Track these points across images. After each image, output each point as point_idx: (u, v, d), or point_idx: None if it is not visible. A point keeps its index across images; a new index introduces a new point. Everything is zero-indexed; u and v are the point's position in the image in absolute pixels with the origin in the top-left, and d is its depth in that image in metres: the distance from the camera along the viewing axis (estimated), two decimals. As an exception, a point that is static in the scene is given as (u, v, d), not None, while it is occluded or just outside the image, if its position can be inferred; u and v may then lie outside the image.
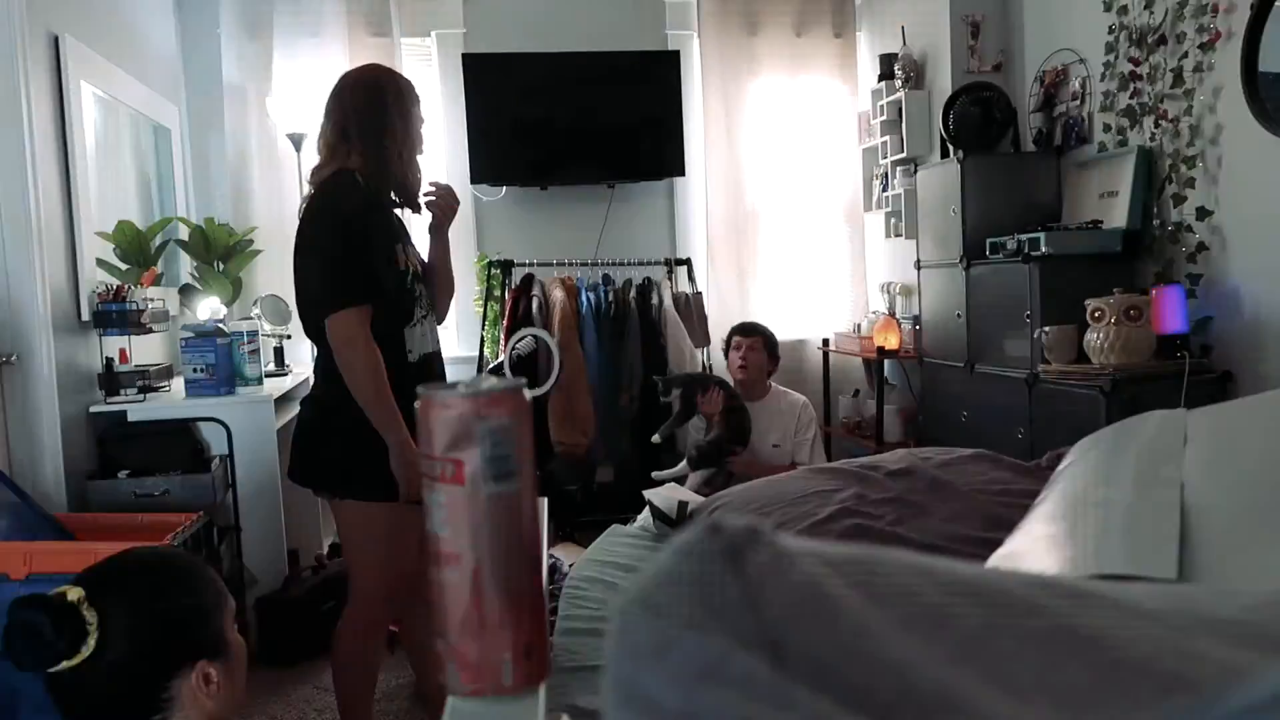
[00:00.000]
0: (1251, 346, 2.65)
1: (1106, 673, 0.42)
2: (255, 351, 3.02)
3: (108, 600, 1.12)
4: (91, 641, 1.08)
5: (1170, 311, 2.67)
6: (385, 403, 1.92)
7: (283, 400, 3.15)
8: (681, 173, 4.26)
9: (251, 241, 3.76)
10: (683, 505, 2.05)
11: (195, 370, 2.86)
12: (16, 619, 1.09)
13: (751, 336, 3.47)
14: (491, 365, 3.65)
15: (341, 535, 2.13)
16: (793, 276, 4.43)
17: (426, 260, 2.28)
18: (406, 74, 4.05)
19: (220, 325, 2.95)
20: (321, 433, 2.05)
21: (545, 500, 1.46)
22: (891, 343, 3.82)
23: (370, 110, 2.04)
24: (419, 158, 2.15)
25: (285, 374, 3.48)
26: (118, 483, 2.62)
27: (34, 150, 2.52)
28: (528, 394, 0.61)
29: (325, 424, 2.04)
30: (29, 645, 1.08)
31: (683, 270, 4.20)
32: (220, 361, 2.86)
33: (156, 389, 2.93)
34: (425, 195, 2.16)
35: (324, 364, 2.05)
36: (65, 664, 1.08)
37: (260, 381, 3.03)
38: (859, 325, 4.29)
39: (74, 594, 1.10)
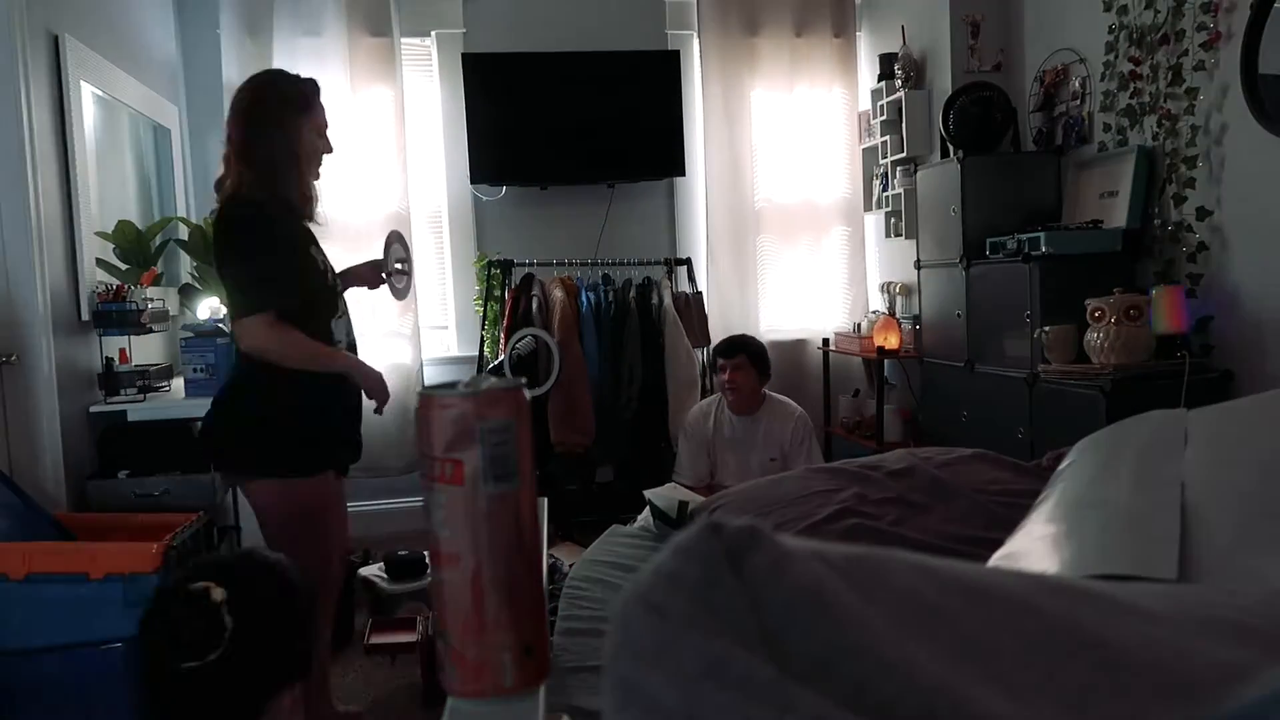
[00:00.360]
0: (1251, 346, 2.65)
1: (1107, 673, 0.42)
2: None
3: (246, 609, 1.08)
4: (223, 648, 1.05)
5: (1170, 311, 2.67)
6: (325, 352, 2.03)
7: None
8: (681, 173, 4.26)
9: (251, 241, 3.75)
10: (683, 505, 2.05)
11: (195, 370, 2.85)
12: (163, 611, 1.05)
13: (735, 356, 3.38)
14: (491, 365, 3.65)
15: (259, 520, 2.10)
16: (793, 276, 4.43)
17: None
18: (406, 74, 4.09)
19: (220, 325, 2.94)
20: (230, 414, 2.07)
21: (545, 500, 1.46)
22: (891, 342, 3.82)
23: (250, 124, 2.06)
24: (316, 164, 2.22)
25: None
26: (117, 483, 2.62)
27: (34, 150, 2.52)
28: (527, 394, 0.61)
29: (233, 406, 2.07)
30: (169, 641, 1.04)
31: (683, 270, 4.20)
32: (220, 361, 2.86)
33: (156, 389, 2.93)
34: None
35: (235, 359, 2.14)
36: (190, 664, 1.04)
37: None
38: (859, 325, 4.29)
39: (218, 594, 1.06)
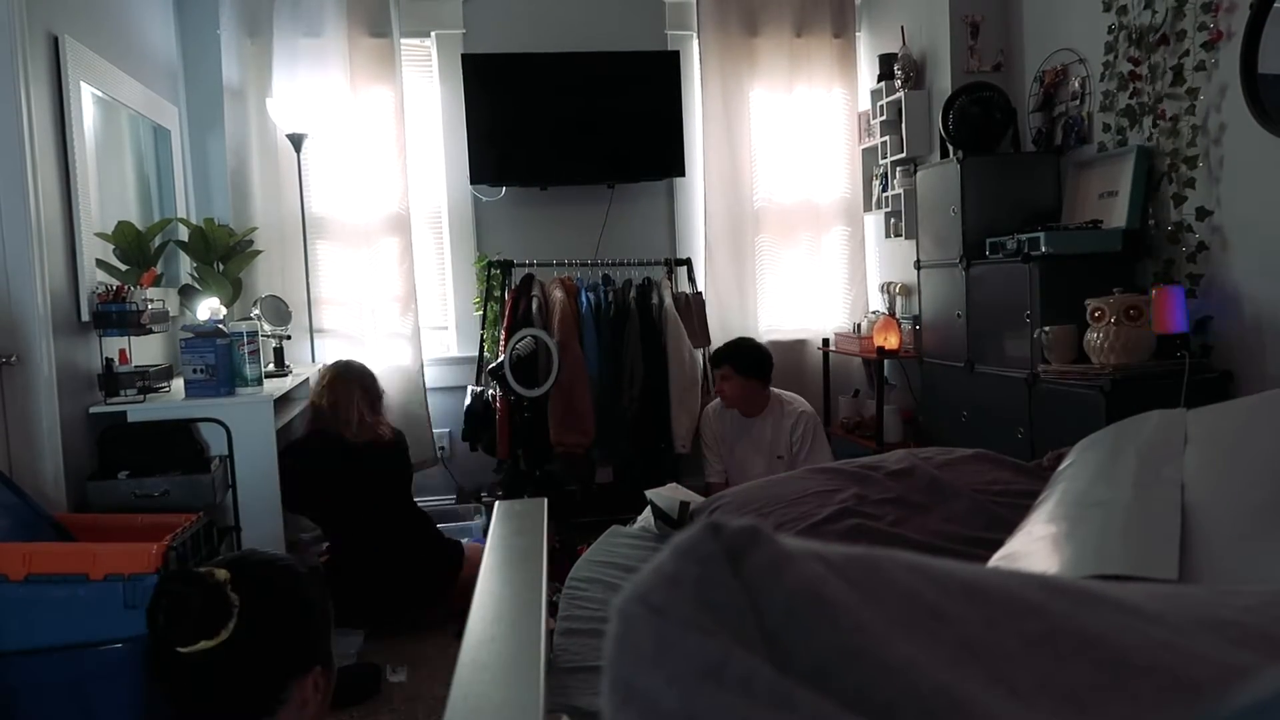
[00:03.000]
0: (1251, 346, 2.65)
1: (1108, 673, 0.42)
2: (255, 352, 3.00)
3: (252, 588, 1.10)
4: (232, 625, 1.06)
5: (1170, 311, 2.67)
6: None
7: (283, 401, 3.15)
8: (681, 173, 4.26)
9: (251, 242, 3.76)
10: (684, 505, 2.05)
11: (195, 371, 2.85)
12: (166, 591, 1.07)
13: (720, 367, 3.44)
14: (491, 366, 3.65)
15: None
16: (792, 276, 4.43)
17: None
18: (406, 75, 4.09)
19: (220, 325, 2.94)
20: None
21: (545, 500, 1.46)
22: (891, 343, 3.82)
23: None
24: None
25: (285, 374, 3.47)
26: (117, 483, 2.62)
27: (34, 150, 2.52)
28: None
29: None
30: (174, 619, 1.06)
31: (683, 270, 4.20)
32: (220, 362, 2.86)
33: (156, 389, 2.93)
34: None
35: None
36: (203, 644, 1.05)
37: (260, 382, 3.02)
38: (859, 325, 4.29)
39: (221, 574, 1.08)
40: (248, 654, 1.08)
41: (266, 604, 1.10)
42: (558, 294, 3.78)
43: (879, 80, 4.15)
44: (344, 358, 3.36)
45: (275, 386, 3.17)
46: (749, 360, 3.45)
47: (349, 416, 3.09)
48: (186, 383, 2.87)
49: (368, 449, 3.08)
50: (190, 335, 2.89)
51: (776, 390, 3.56)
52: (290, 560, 1.25)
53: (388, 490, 3.14)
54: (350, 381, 3.16)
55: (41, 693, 1.98)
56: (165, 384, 3.00)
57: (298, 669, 1.12)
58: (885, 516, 1.80)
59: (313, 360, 3.88)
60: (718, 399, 3.61)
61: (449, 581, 3.03)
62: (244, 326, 2.99)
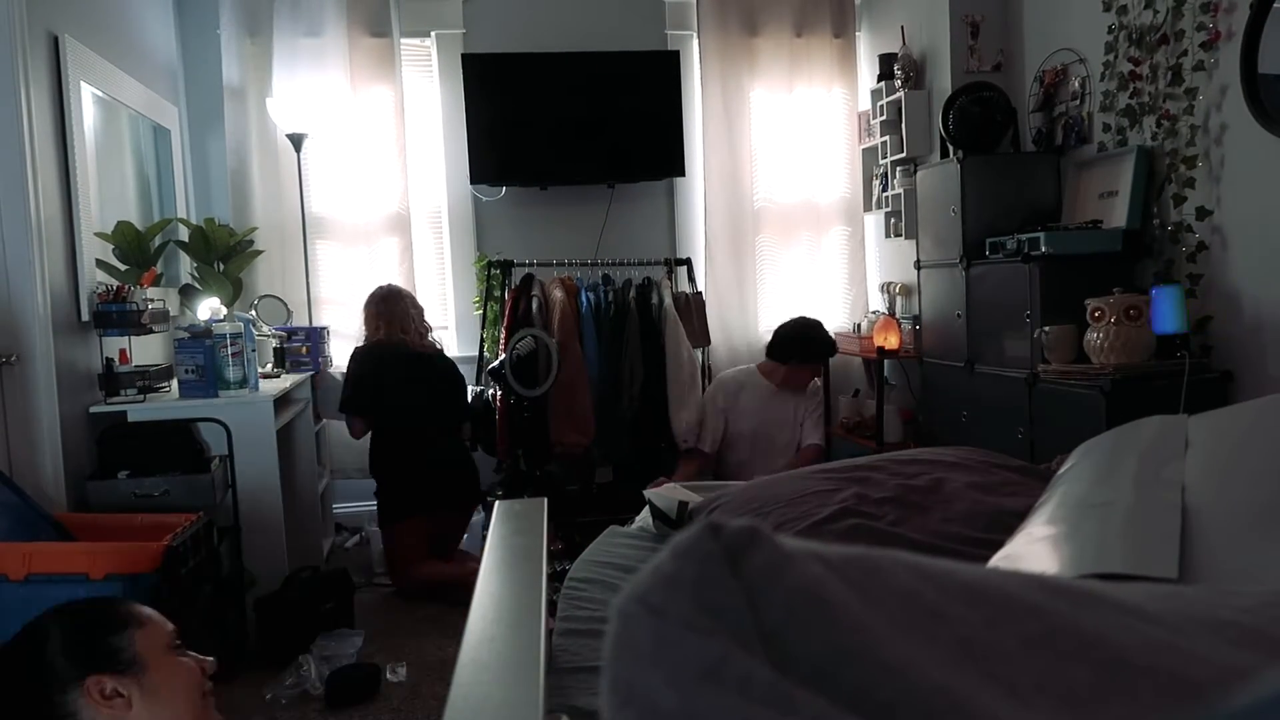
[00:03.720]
0: (1251, 346, 2.65)
1: (1107, 673, 0.42)
2: (238, 354, 2.95)
3: (15, 638, 1.27)
4: None
5: (1170, 311, 2.67)
6: None
7: (282, 401, 3.15)
8: (681, 173, 4.26)
9: (252, 242, 3.76)
10: (683, 505, 2.04)
11: (187, 371, 2.86)
12: None
13: (811, 363, 3.77)
14: (491, 365, 3.65)
15: None
16: (792, 276, 4.43)
17: None
18: (406, 74, 4.09)
19: (209, 326, 2.94)
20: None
21: (545, 500, 1.46)
22: (891, 343, 3.82)
23: None
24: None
25: (284, 375, 3.47)
26: (117, 483, 2.62)
27: (34, 150, 2.52)
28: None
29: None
30: None
31: (683, 270, 4.20)
32: (209, 363, 2.86)
33: (156, 389, 2.92)
34: None
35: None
36: None
37: (243, 385, 2.95)
38: (859, 325, 4.29)
39: None
40: (12, 692, 1.24)
41: (22, 648, 1.26)
42: (558, 294, 3.78)
43: (879, 80, 4.15)
44: (384, 284, 3.62)
45: (275, 386, 3.17)
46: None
47: (408, 328, 3.46)
48: (180, 383, 2.87)
49: (428, 360, 3.48)
50: (185, 335, 2.89)
51: None
52: (71, 600, 1.39)
53: (443, 400, 3.48)
54: (403, 298, 3.51)
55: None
56: (165, 384, 3.00)
57: (62, 683, 1.22)
58: (885, 516, 1.80)
59: (313, 359, 3.87)
60: (739, 368, 3.91)
61: (472, 502, 3.54)
62: (227, 328, 2.95)
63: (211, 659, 1.35)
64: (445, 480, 3.42)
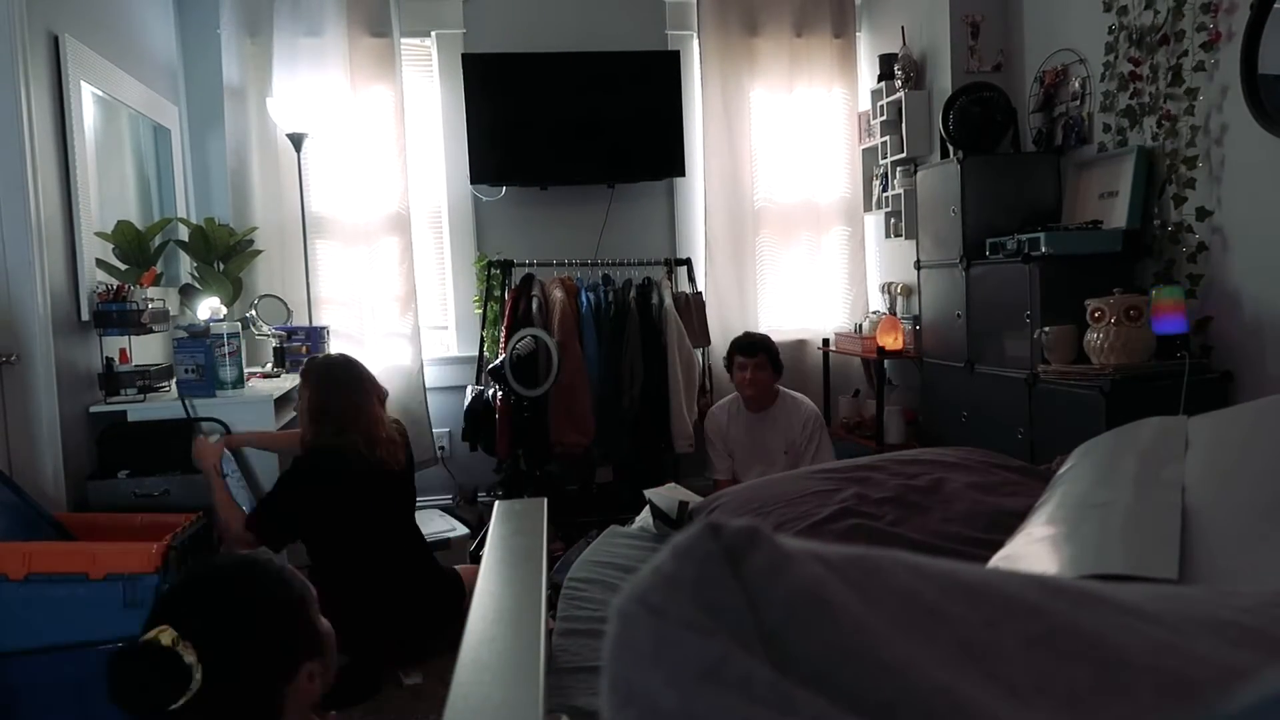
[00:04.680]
0: (1251, 346, 2.65)
1: (1107, 673, 0.42)
2: (235, 354, 2.95)
3: (199, 632, 1.08)
4: (198, 677, 1.06)
5: (1170, 312, 2.67)
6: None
7: (282, 401, 3.15)
8: (681, 173, 4.26)
9: (251, 241, 3.76)
10: (683, 505, 2.05)
11: (186, 371, 2.86)
12: (120, 673, 1.06)
13: (755, 356, 3.49)
14: (491, 365, 3.65)
15: None
16: (792, 276, 4.43)
17: None
18: (406, 74, 4.09)
19: (208, 325, 2.94)
20: None
21: (545, 500, 1.46)
22: (893, 343, 3.82)
23: None
24: None
25: (284, 375, 3.47)
26: (117, 483, 2.62)
27: (34, 150, 2.52)
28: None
29: None
30: (138, 697, 1.06)
31: (683, 270, 4.20)
32: (209, 362, 2.86)
33: (157, 389, 2.92)
34: None
35: None
36: (176, 705, 1.06)
37: (239, 385, 2.95)
38: (859, 325, 4.29)
39: (167, 637, 1.07)
40: (228, 689, 1.08)
41: (223, 640, 1.09)
42: (558, 294, 3.78)
43: (879, 80, 4.15)
44: (324, 354, 2.95)
45: (275, 386, 3.17)
46: (777, 353, 3.57)
47: (366, 431, 2.60)
48: (179, 383, 2.87)
49: (380, 468, 2.61)
50: (184, 334, 2.89)
51: (781, 388, 3.60)
52: (240, 567, 1.21)
53: (398, 515, 2.75)
54: (353, 384, 2.66)
55: (41, 692, 1.98)
56: (165, 383, 3.00)
57: (286, 678, 1.12)
58: (885, 516, 1.80)
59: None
60: (727, 398, 3.65)
61: (453, 615, 2.53)
62: (225, 328, 2.95)
63: None
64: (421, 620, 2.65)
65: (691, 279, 4.19)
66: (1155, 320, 2.68)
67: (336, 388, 2.62)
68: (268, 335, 3.57)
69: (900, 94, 3.95)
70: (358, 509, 2.58)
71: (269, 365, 3.50)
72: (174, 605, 1.13)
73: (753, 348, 3.51)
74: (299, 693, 1.12)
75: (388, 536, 2.68)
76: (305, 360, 2.90)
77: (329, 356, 2.88)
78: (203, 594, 1.14)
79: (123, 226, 3.01)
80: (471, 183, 4.16)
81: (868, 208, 4.43)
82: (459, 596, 2.65)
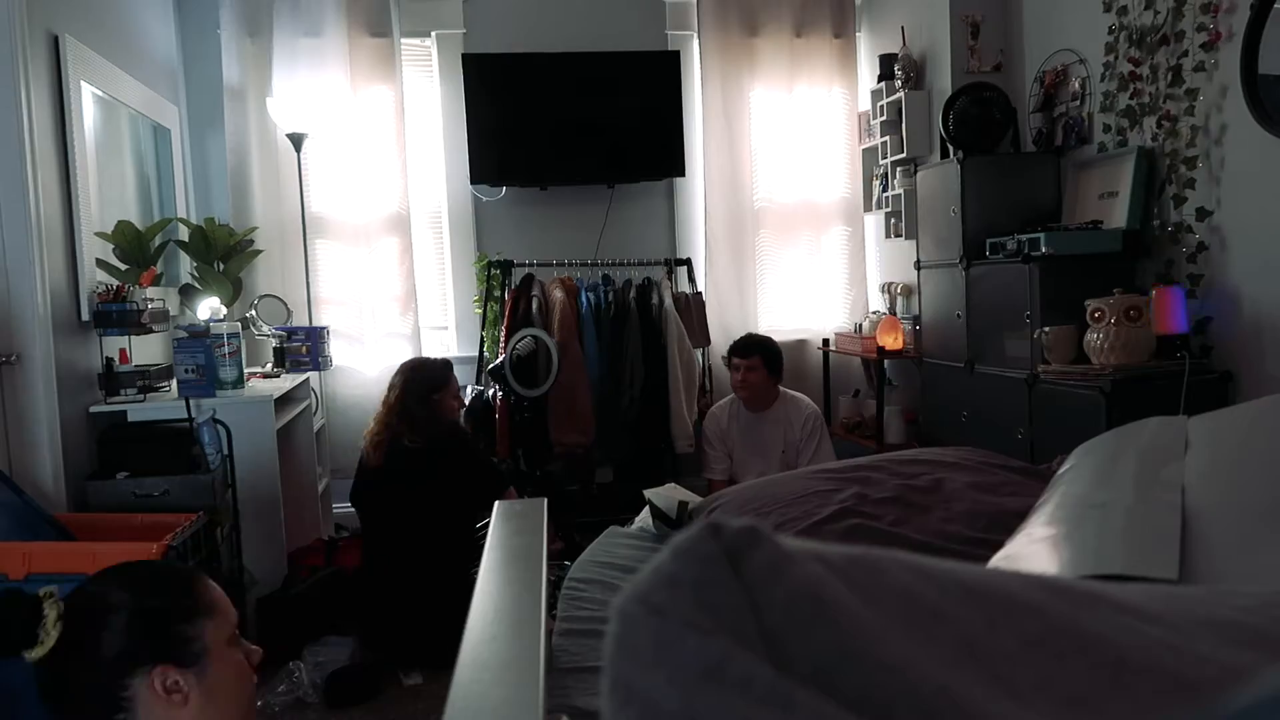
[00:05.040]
0: (1251, 347, 2.65)
1: (1107, 674, 0.42)
2: (235, 354, 2.95)
3: (77, 598, 1.19)
4: (52, 632, 1.15)
5: (1170, 312, 2.67)
6: None
7: (283, 401, 3.15)
8: (681, 173, 4.26)
9: (252, 241, 3.76)
10: (683, 505, 2.05)
11: (186, 371, 2.86)
12: None
13: (750, 357, 3.47)
14: (491, 365, 3.65)
15: None
16: (792, 276, 4.43)
17: None
18: (406, 74, 4.10)
19: (208, 325, 2.94)
20: None
21: (545, 500, 1.46)
22: (894, 343, 3.82)
23: None
24: None
25: (284, 375, 3.47)
26: (117, 483, 2.62)
27: (34, 150, 2.52)
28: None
29: None
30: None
31: (683, 270, 4.20)
32: (209, 362, 2.86)
33: (157, 389, 2.92)
34: None
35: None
36: (28, 653, 1.16)
37: (239, 385, 2.96)
38: (859, 325, 4.29)
39: (45, 590, 1.18)
40: (74, 656, 1.16)
41: (92, 609, 1.18)
42: (558, 294, 3.78)
43: (879, 80, 4.15)
44: (412, 358, 3.27)
45: (275, 386, 3.17)
46: (775, 354, 3.52)
47: (412, 421, 2.89)
48: (179, 383, 2.87)
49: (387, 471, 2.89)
50: (184, 334, 2.89)
51: (782, 388, 3.59)
52: (152, 565, 1.34)
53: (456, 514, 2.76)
54: (430, 382, 2.99)
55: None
56: (165, 384, 3.00)
57: (130, 667, 1.15)
58: (885, 516, 1.80)
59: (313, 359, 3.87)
60: (727, 398, 3.64)
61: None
62: (225, 328, 2.95)
63: (258, 649, 1.27)
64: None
65: (691, 279, 4.19)
66: (1155, 320, 2.68)
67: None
68: (268, 335, 3.57)
69: (900, 94, 3.95)
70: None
71: (269, 365, 3.50)
72: (87, 579, 1.24)
73: (747, 349, 3.49)
74: (153, 695, 1.16)
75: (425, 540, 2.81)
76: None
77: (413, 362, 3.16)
78: (105, 572, 1.27)
79: (123, 226, 3.01)
80: (471, 183, 4.16)
81: (868, 208, 4.44)
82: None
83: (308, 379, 3.59)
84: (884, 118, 4.12)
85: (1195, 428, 1.43)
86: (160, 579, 1.27)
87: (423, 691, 2.59)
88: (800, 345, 4.40)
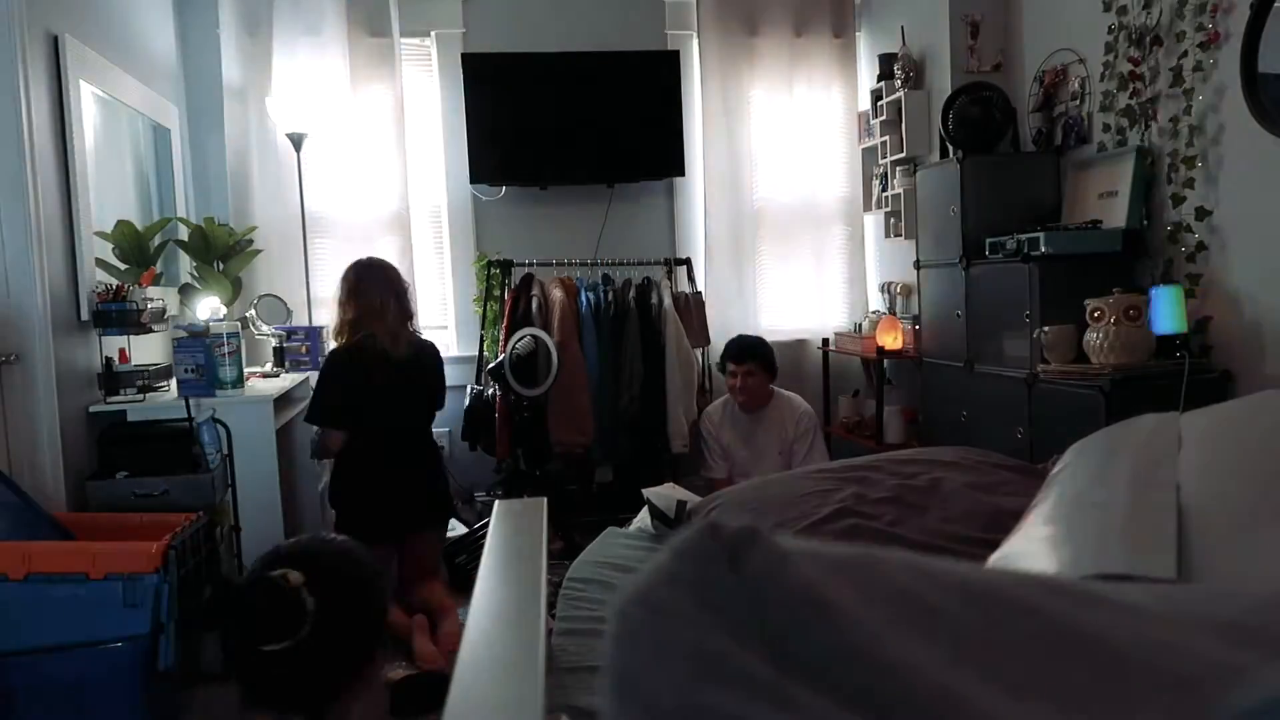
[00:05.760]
0: (1251, 346, 2.65)
1: (1106, 673, 0.42)
2: (234, 353, 2.95)
3: (325, 589, 1.15)
4: (307, 627, 1.12)
5: (1170, 311, 2.67)
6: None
7: (282, 400, 3.15)
8: (681, 173, 4.26)
9: (251, 241, 3.76)
10: (681, 504, 2.04)
11: (186, 371, 2.86)
12: (236, 600, 1.10)
13: (746, 362, 3.47)
14: (491, 365, 3.65)
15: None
16: (792, 276, 4.43)
17: None
18: (406, 74, 4.09)
19: (207, 325, 2.94)
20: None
21: (545, 500, 1.46)
22: (893, 343, 3.82)
23: None
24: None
25: (284, 374, 3.46)
26: (117, 483, 2.62)
27: (34, 150, 2.52)
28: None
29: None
30: (244, 626, 1.12)
31: (683, 270, 4.20)
32: (209, 362, 2.86)
33: (156, 389, 2.92)
34: None
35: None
36: (278, 645, 1.12)
37: (239, 385, 2.95)
38: (859, 325, 4.29)
39: (295, 578, 1.13)
40: (324, 650, 1.13)
41: (342, 604, 1.16)
42: (557, 294, 3.78)
43: (879, 80, 4.15)
44: (364, 256, 3.20)
45: (275, 386, 3.17)
46: (771, 357, 3.54)
47: (388, 328, 2.94)
48: (179, 383, 2.87)
49: (406, 366, 2.97)
50: (183, 334, 2.89)
51: (775, 388, 3.60)
52: (361, 553, 1.30)
53: (417, 412, 3.07)
54: (377, 281, 3.00)
55: (41, 692, 1.98)
56: (165, 383, 3.00)
57: (370, 659, 1.16)
58: (884, 516, 1.81)
59: (312, 358, 3.87)
60: (722, 398, 3.65)
61: (444, 516, 3.18)
62: (224, 328, 2.94)
63: None
64: (415, 497, 2.99)
65: (691, 279, 4.19)
66: (1154, 319, 2.68)
67: (347, 285, 3.04)
68: (267, 335, 3.57)
69: (900, 94, 3.95)
70: (383, 397, 2.95)
71: (269, 365, 3.50)
72: (299, 558, 1.16)
73: (742, 355, 3.49)
74: (369, 678, 1.16)
75: (407, 426, 3.03)
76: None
77: (358, 261, 3.16)
78: (329, 558, 1.20)
79: (122, 226, 3.01)
80: (471, 182, 4.16)
81: (867, 208, 4.44)
82: (449, 501, 3.19)
83: (307, 378, 3.59)
84: (884, 117, 4.12)
85: (1188, 424, 1.43)
86: (378, 575, 1.26)
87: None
88: (800, 345, 4.40)
